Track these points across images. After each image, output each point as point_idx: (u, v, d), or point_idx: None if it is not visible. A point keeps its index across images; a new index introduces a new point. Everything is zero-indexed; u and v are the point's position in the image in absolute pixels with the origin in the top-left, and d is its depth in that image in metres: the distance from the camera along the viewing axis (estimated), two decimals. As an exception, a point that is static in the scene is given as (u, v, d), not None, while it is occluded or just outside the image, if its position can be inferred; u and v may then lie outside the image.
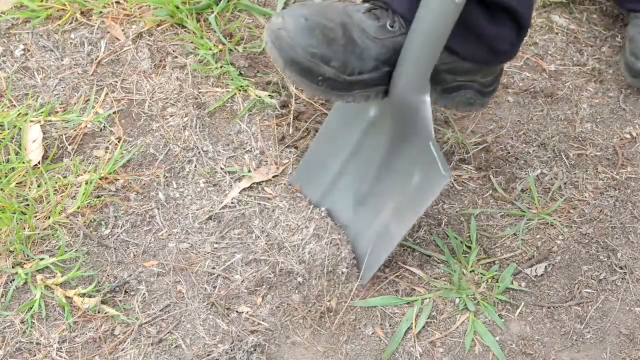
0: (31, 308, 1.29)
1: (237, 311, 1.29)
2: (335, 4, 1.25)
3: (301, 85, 1.17)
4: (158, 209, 1.42)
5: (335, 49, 1.13)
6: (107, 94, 1.59)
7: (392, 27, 1.19)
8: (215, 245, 1.37)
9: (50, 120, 1.54)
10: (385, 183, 1.31)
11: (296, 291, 1.30)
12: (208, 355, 1.24)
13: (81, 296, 1.30)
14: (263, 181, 1.45)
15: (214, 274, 1.33)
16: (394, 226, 1.28)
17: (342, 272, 1.32)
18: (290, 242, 1.34)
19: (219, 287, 1.32)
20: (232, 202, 1.42)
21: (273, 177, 1.45)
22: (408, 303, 1.32)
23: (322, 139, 1.42)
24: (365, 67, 1.17)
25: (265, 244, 1.35)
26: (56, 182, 1.44)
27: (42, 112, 1.54)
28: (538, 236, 1.41)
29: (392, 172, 1.29)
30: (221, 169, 1.47)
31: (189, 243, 1.38)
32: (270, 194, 1.43)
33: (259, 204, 1.41)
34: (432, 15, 1.12)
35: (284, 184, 1.44)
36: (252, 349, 1.24)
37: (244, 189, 1.44)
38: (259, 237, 1.37)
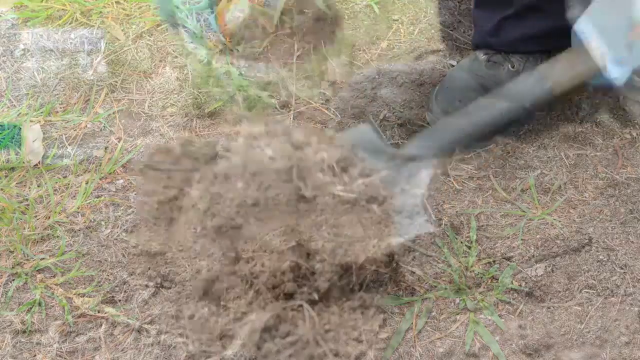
0: (31, 308, 1.29)
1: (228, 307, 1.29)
2: (459, 75, 1.49)
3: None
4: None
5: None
6: (107, 94, 1.59)
7: (513, 67, 1.43)
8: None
9: (50, 120, 1.54)
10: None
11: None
12: (207, 357, 1.24)
13: (81, 296, 1.30)
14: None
15: (195, 253, 1.32)
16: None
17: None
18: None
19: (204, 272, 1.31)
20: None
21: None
22: (408, 303, 1.31)
23: (360, 129, 1.42)
24: None
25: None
26: (56, 182, 1.44)
27: (42, 112, 1.54)
28: (538, 236, 1.41)
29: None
30: (221, 169, 1.46)
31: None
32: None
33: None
34: (498, 115, 1.26)
35: None
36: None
37: None
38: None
